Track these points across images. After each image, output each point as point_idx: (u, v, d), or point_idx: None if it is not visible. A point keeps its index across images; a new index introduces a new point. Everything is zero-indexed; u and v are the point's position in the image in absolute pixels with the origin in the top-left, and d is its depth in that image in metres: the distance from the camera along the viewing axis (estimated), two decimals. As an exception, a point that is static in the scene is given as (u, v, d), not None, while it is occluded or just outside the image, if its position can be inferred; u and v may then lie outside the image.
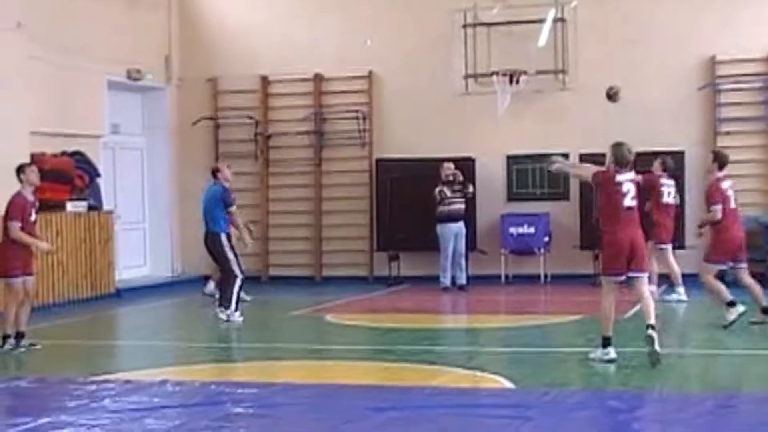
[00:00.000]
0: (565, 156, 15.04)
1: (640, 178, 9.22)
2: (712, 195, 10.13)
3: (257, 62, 16.22)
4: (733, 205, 10.22)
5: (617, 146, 8.53)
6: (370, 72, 15.95)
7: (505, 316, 12.48)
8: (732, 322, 9.93)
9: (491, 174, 15.37)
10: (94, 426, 6.39)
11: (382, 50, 15.76)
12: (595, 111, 14.88)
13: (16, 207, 9.60)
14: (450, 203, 14.23)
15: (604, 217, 8.46)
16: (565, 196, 15.18)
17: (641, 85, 14.82)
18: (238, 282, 11.37)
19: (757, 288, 10.30)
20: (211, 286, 12.92)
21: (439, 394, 7.27)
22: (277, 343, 10.30)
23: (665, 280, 12.54)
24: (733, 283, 10.66)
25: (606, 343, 8.37)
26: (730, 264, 10.30)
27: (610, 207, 8.34)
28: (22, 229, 9.60)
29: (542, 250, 14.82)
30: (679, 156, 14.29)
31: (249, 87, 16.32)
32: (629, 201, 8.35)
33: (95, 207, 14.21)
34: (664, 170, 12.24)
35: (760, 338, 9.75)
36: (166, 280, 15.94)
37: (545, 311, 12.74)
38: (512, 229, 14.82)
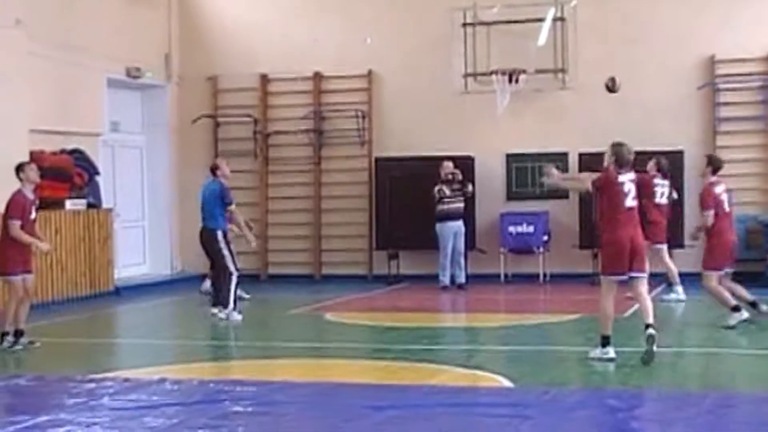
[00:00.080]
0: (564, 156, 15.17)
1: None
2: (705, 200, 10.15)
3: (257, 61, 16.22)
4: (727, 209, 10.23)
5: (618, 146, 8.52)
6: (370, 71, 15.94)
7: (504, 315, 12.48)
8: (732, 327, 9.93)
9: (490, 173, 15.37)
10: (93, 424, 6.38)
11: (381, 49, 15.76)
12: (594, 110, 14.91)
13: (17, 205, 9.59)
14: (449, 202, 14.23)
15: (604, 217, 8.45)
16: (564, 195, 15.16)
17: (641, 84, 14.82)
18: (234, 280, 11.38)
19: (738, 288, 10.33)
20: (207, 284, 12.92)
21: (438, 393, 7.27)
22: (276, 342, 10.30)
23: (663, 280, 12.53)
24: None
25: (605, 342, 8.37)
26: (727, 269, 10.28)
27: (611, 207, 8.34)
28: (23, 227, 9.59)
29: (541, 249, 14.82)
30: (678, 155, 14.31)
31: (249, 85, 16.32)
32: (630, 201, 8.36)
33: (94, 205, 14.20)
34: (659, 170, 12.24)
35: (760, 338, 9.75)
36: (166, 278, 15.94)
37: (544, 310, 12.74)
38: (511, 228, 14.82)
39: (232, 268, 11.39)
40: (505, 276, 14.97)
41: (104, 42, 14.78)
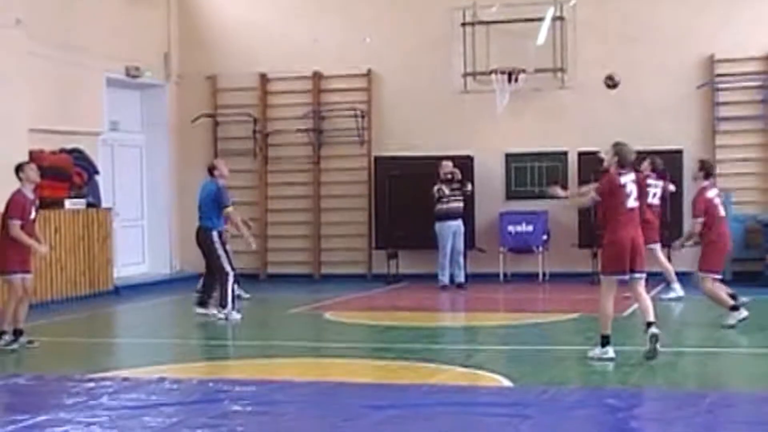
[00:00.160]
0: (564, 155, 15.17)
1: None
2: (697, 206, 10.16)
3: (256, 60, 16.22)
4: (722, 212, 10.23)
5: (621, 146, 8.51)
6: (369, 70, 15.94)
7: (503, 314, 12.48)
8: (732, 326, 9.94)
9: (490, 172, 15.36)
10: (92, 423, 6.38)
11: (381, 48, 15.76)
12: (593, 109, 14.91)
13: (16, 205, 9.58)
14: (448, 201, 14.23)
15: (606, 217, 8.44)
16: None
17: (640, 83, 14.82)
18: (230, 279, 11.38)
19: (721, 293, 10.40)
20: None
21: (438, 392, 7.27)
22: (275, 341, 10.30)
23: (662, 280, 12.53)
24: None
25: (605, 341, 8.38)
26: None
27: (612, 208, 8.32)
28: (23, 227, 9.58)
29: (541, 249, 14.83)
30: (677, 155, 14.32)
31: (248, 84, 16.31)
32: (632, 202, 8.37)
33: (94, 204, 14.20)
34: (653, 170, 12.26)
35: (759, 337, 9.76)
36: (165, 277, 15.93)
37: (544, 309, 12.73)
38: (511, 228, 14.83)
39: (227, 268, 11.40)
40: (505, 275, 14.97)
41: (104, 41, 14.78)
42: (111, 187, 15.33)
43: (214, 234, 11.44)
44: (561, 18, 14.68)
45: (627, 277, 8.34)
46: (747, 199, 14.64)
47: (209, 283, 11.67)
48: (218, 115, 16.48)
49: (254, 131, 16.25)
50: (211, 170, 11.75)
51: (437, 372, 8.18)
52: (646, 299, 8.43)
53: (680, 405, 6.77)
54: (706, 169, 10.40)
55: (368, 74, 15.96)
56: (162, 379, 7.78)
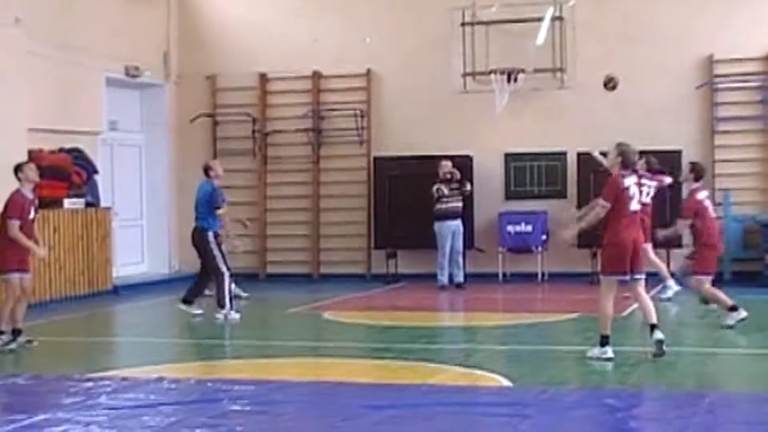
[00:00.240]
0: (563, 155, 15.17)
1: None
2: (686, 208, 10.17)
3: (256, 59, 16.21)
4: (712, 214, 10.23)
5: (625, 146, 8.49)
6: (369, 70, 15.94)
7: (502, 314, 12.48)
8: (731, 326, 9.95)
9: (489, 172, 15.37)
10: (90, 423, 6.38)
11: (380, 48, 15.76)
12: (593, 110, 14.91)
13: (15, 205, 9.57)
14: (447, 201, 14.23)
15: (608, 219, 8.40)
16: (562, 194, 15.18)
17: (639, 83, 14.83)
18: (227, 279, 11.39)
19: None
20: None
21: (437, 392, 7.27)
22: (274, 341, 10.29)
23: (657, 280, 12.53)
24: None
25: (604, 341, 8.37)
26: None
27: (615, 209, 8.29)
28: (22, 227, 9.56)
29: (540, 249, 14.83)
30: (676, 155, 14.31)
31: (247, 84, 16.31)
32: (635, 205, 8.37)
33: (93, 204, 14.20)
34: (648, 169, 12.25)
35: (758, 337, 9.76)
36: (164, 277, 15.93)
37: (543, 309, 12.73)
38: (510, 227, 14.83)
39: (223, 268, 11.41)
40: (504, 275, 14.97)
41: (103, 41, 14.77)
42: (110, 187, 15.32)
43: (210, 234, 11.46)
44: (560, 18, 14.67)
45: (627, 277, 8.34)
46: (746, 199, 14.65)
47: (199, 282, 11.70)
48: (217, 114, 16.47)
49: (253, 131, 16.24)
50: (206, 171, 11.78)
51: (436, 372, 8.18)
52: (648, 301, 8.43)
53: (679, 405, 6.78)
54: (697, 171, 10.44)
55: (368, 74, 15.96)
56: (161, 379, 7.78)
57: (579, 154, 14.63)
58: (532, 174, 15.30)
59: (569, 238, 8.62)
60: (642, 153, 12.34)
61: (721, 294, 10.19)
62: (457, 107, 15.30)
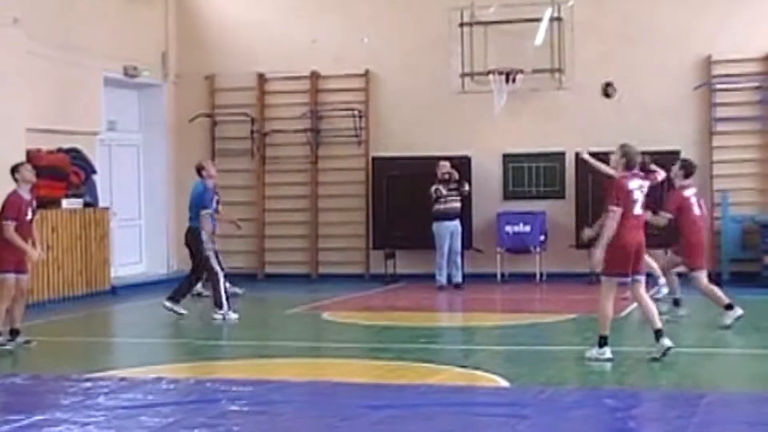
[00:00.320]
0: (561, 155, 15.17)
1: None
2: (670, 202, 10.16)
3: (254, 59, 16.20)
4: (696, 212, 10.22)
5: (629, 148, 8.45)
6: (367, 70, 15.93)
7: (501, 314, 12.48)
8: (728, 326, 9.95)
9: (487, 172, 15.37)
10: (88, 423, 6.37)
11: (378, 48, 15.76)
12: (591, 110, 14.92)
13: (11, 206, 9.54)
14: (446, 201, 14.23)
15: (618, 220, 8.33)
16: (561, 195, 15.19)
17: (637, 84, 14.86)
18: (221, 279, 11.40)
19: (676, 282, 10.59)
20: (199, 284, 12.81)
21: (435, 393, 7.27)
22: (272, 341, 10.29)
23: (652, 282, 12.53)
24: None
25: (603, 342, 8.37)
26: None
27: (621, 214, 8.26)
28: (19, 228, 9.53)
29: (538, 249, 14.83)
30: (675, 155, 14.29)
31: (246, 84, 16.30)
32: (638, 209, 8.37)
33: (91, 204, 14.19)
34: (642, 168, 12.24)
35: (756, 338, 9.77)
36: (162, 277, 15.91)
37: (541, 310, 12.74)
38: (508, 228, 14.83)
39: (216, 268, 11.42)
40: (502, 275, 14.97)
41: (102, 41, 14.76)
42: (108, 187, 15.31)
43: (204, 234, 11.45)
44: (559, 18, 14.67)
45: (629, 279, 8.34)
46: (744, 199, 14.66)
47: (188, 282, 11.69)
48: (216, 114, 16.46)
49: (252, 131, 16.24)
50: (199, 170, 11.80)
51: (435, 372, 8.18)
52: (651, 305, 8.42)
53: (678, 405, 6.78)
54: (686, 168, 10.43)
55: (366, 74, 15.96)
56: (159, 379, 7.78)
57: (577, 155, 14.62)
58: (530, 174, 15.30)
59: (599, 261, 8.41)
60: (648, 154, 12.41)
61: (718, 291, 10.19)
62: (455, 108, 15.30)
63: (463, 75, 14.90)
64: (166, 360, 9.40)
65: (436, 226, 14.26)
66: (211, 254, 11.43)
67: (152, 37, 16.16)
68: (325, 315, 11.83)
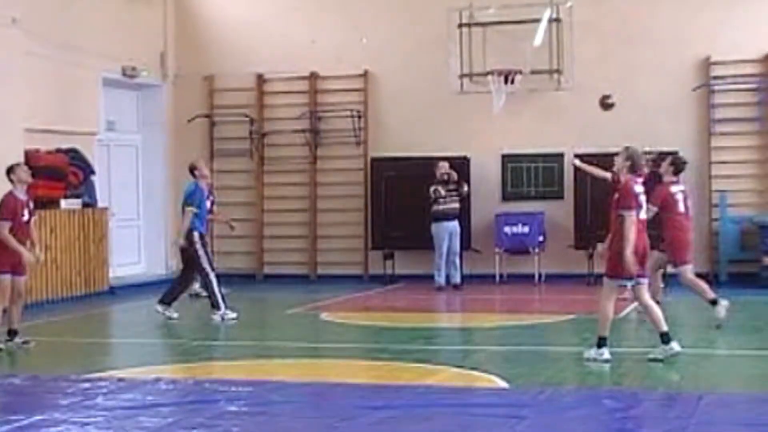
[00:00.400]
0: (560, 156, 15.18)
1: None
2: (655, 195, 10.11)
3: (253, 60, 16.20)
4: (681, 209, 10.21)
5: (634, 150, 8.39)
6: (366, 71, 15.94)
7: (499, 315, 12.48)
8: (720, 325, 9.95)
9: (486, 173, 15.37)
10: (87, 424, 6.37)
11: (378, 49, 15.76)
12: (590, 111, 14.92)
13: (6, 207, 9.50)
14: (444, 202, 14.24)
15: (619, 225, 8.30)
16: (559, 196, 15.19)
17: (636, 85, 14.86)
18: (214, 279, 11.40)
19: (659, 283, 10.61)
20: (195, 285, 12.81)
21: (434, 393, 7.27)
22: (271, 341, 10.30)
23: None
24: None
25: (602, 343, 8.37)
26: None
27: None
28: (14, 229, 9.50)
29: (537, 250, 14.83)
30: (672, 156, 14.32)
31: (245, 85, 16.30)
32: (643, 214, 8.37)
33: (90, 204, 14.18)
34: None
35: (754, 338, 9.78)
36: (161, 277, 15.89)
37: (540, 310, 12.75)
38: (507, 229, 14.83)
39: (208, 268, 11.41)
40: (501, 276, 14.97)
41: (100, 41, 14.76)
42: (107, 187, 15.31)
43: (195, 235, 11.45)
44: (557, 20, 14.67)
45: (633, 282, 8.33)
46: (742, 200, 14.67)
47: (179, 284, 11.68)
48: (215, 115, 16.46)
49: (251, 131, 16.23)
50: (192, 170, 11.80)
51: (433, 373, 8.19)
52: (655, 308, 8.40)
53: (676, 406, 6.79)
54: (676, 165, 10.42)
55: (365, 75, 15.96)
56: (158, 380, 7.78)
57: (576, 156, 14.62)
58: (529, 175, 15.31)
59: (632, 263, 8.40)
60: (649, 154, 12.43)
61: (703, 285, 10.19)
62: (454, 108, 15.31)
63: (462, 76, 14.90)
64: (164, 360, 9.40)
65: (435, 227, 14.26)
66: (202, 254, 11.42)
67: (151, 38, 16.15)
68: (324, 315, 11.83)
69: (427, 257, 14.61)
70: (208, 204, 12.26)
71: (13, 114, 12.69)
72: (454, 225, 14.30)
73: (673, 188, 10.23)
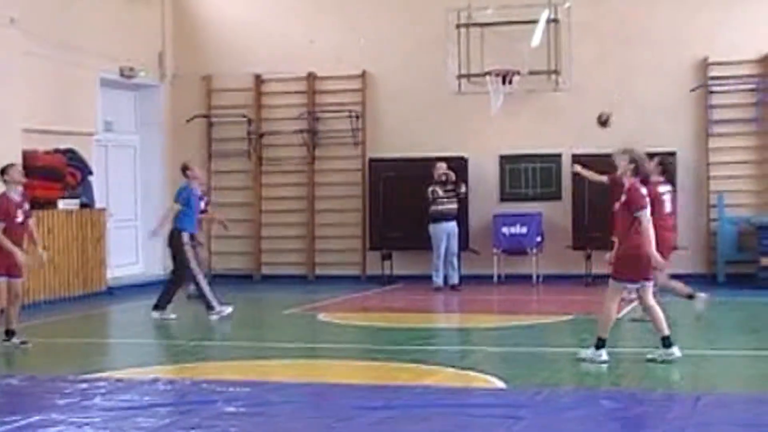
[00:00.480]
0: (558, 157, 15.19)
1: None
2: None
3: (251, 60, 16.20)
4: (668, 209, 10.23)
5: (637, 154, 8.37)
6: (364, 71, 15.94)
7: (497, 315, 12.49)
8: (702, 309, 9.97)
9: (484, 174, 15.38)
10: (84, 424, 6.37)
11: (376, 49, 15.76)
12: (588, 111, 14.88)
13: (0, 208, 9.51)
14: (442, 203, 14.24)
15: (626, 228, 8.28)
16: (557, 196, 15.20)
17: (634, 86, 14.88)
18: (202, 280, 11.41)
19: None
20: (192, 287, 12.79)
21: (431, 394, 7.27)
22: (269, 342, 10.29)
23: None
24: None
25: (601, 344, 8.36)
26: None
27: (635, 221, 8.21)
28: (8, 230, 9.46)
29: (535, 250, 14.84)
30: (671, 157, 14.32)
31: (243, 85, 16.30)
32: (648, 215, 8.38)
33: (87, 205, 14.17)
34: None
35: (751, 339, 9.79)
36: (158, 278, 15.87)
37: (537, 311, 12.75)
38: (505, 229, 14.83)
39: (196, 269, 11.41)
40: (499, 277, 14.98)
41: (98, 41, 14.75)
42: (105, 188, 15.29)
43: (185, 236, 11.47)
44: (555, 20, 14.67)
45: (639, 285, 8.34)
46: (740, 201, 14.68)
47: (170, 287, 11.66)
48: (213, 115, 16.46)
49: (248, 132, 16.23)
50: (184, 170, 11.82)
51: (431, 373, 8.19)
52: (659, 311, 8.39)
53: (674, 406, 6.78)
54: (663, 165, 10.46)
55: (363, 75, 15.96)
56: (155, 380, 7.77)
57: (574, 156, 14.65)
58: (527, 176, 15.32)
59: (659, 261, 8.42)
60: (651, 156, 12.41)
61: (676, 283, 10.19)
62: (452, 109, 15.31)
63: (460, 76, 14.90)
64: (162, 361, 9.40)
65: (433, 228, 14.26)
66: (190, 256, 11.42)
67: (149, 38, 16.15)
68: (322, 316, 11.82)
69: (425, 258, 14.61)
70: (202, 205, 12.24)
71: (11, 114, 12.68)
72: (452, 226, 14.30)
73: (661, 188, 10.25)
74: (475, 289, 14.22)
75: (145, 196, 16.38)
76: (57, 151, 13.74)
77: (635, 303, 9.79)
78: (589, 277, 14.24)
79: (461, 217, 14.60)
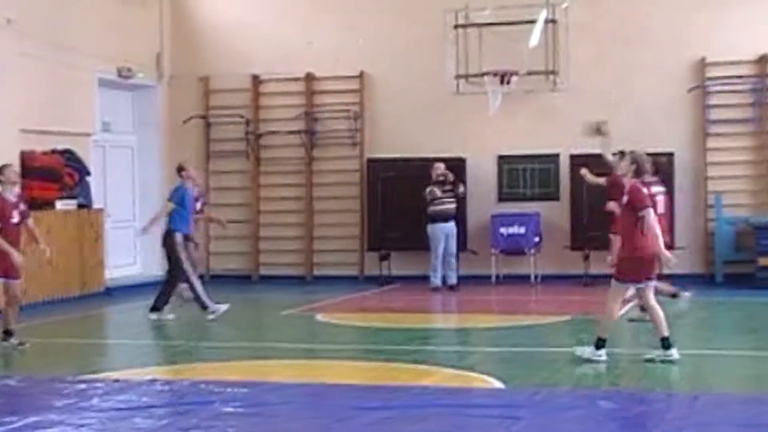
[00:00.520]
0: (556, 157, 15.20)
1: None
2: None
3: (249, 61, 16.19)
4: (661, 210, 10.23)
5: (639, 156, 8.38)
6: (362, 72, 15.93)
7: (495, 316, 12.49)
8: (687, 304, 10.00)
9: (482, 174, 15.37)
10: (82, 425, 6.36)
11: (374, 50, 15.76)
12: (586, 112, 14.93)
13: None
14: (441, 203, 14.24)
15: (628, 228, 8.28)
16: (555, 197, 15.20)
17: (632, 86, 14.88)
18: (196, 280, 11.40)
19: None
20: (185, 292, 12.76)
21: (430, 394, 7.27)
22: (267, 343, 10.28)
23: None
24: None
25: (601, 344, 8.36)
26: None
27: (637, 221, 8.20)
28: (3, 230, 9.44)
29: (533, 250, 14.83)
30: (669, 157, 14.35)
31: (240, 86, 16.29)
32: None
33: (85, 205, 14.16)
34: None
35: (750, 339, 9.79)
36: (156, 278, 15.85)
37: (535, 311, 12.75)
38: (503, 229, 14.83)
39: (189, 270, 11.41)
40: (497, 277, 14.97)
41: (96, 41, 14.74)
42: (102, 188, 15.28)
43: (178, 236, 11.48)
44: (553, 21, 14.68)
45: (642, 285, 8.33)
46: (738, 201, 14.69)
47: (166, 288, 11.66)
48: (210, 116, 16.45)
49: (246, 132, 16.23)
50: (179, 171, 11.81)
51: (429, 373, 8.18)
52: (659, 312, 8.39)
53: (673, 407, 6.79)
54: (656, 165, 10.48)
55: (361, 76, 15.95)
56: (153, 381, 7.77)
57: (572, 156, 14.66)
58: (525, 176, 15.31)
59: (670, 259, 8.41)
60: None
61: (661, 284, 10.19)
62: (450, 109, 15.31)
63: (458, 77, 14.91)
64: (160, 361, 9.39)
65: (431, 228, 14.26)
66: (182, 256, 11.41)
67: (146, 38, 16.13)
68: (320, 316, 11.82)
69: (423, 258, 14.61)
70: (198, 205, 12.23)
71: (8, 115, 12.67)
72: (451, 226, 14.30)
73: (654, 189, 10.27)
74: (473, 290, 14.22)
75: (142, 197, 16.36)
76: (54, 151, 13.73)
77: (633, 303, 9.81)
78: (587, 277, 14.25)
79: (459, 217, 14.60)
